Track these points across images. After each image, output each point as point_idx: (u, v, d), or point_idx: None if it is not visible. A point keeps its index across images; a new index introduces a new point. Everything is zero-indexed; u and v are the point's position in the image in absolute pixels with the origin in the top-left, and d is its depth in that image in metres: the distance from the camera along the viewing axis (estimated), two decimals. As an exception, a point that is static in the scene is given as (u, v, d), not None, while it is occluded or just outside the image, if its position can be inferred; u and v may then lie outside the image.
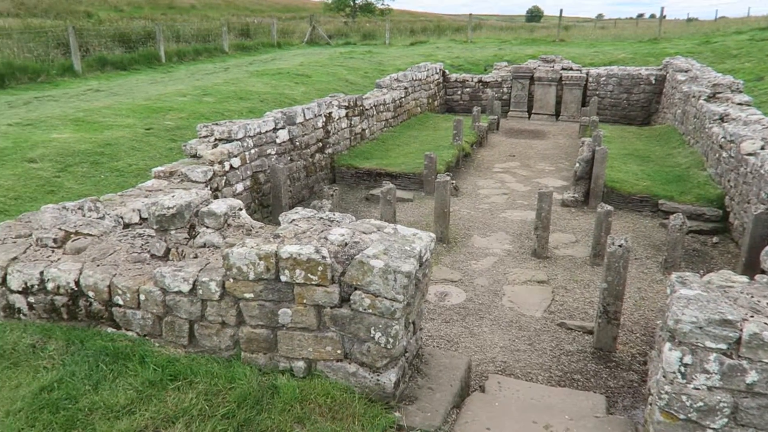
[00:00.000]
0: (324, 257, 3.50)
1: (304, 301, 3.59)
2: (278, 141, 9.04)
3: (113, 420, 3.35)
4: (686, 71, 14.29)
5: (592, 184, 9.33)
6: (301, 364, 3.73)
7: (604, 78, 17.02)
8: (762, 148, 7.57)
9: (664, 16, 27.11)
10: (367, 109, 12.48)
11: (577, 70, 17.34)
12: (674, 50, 20.10)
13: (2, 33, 18.44)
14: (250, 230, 4.27)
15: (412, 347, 3.92)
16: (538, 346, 5.47)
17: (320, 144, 10.45)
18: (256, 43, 27.42)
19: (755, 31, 22.31)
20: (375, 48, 26.44)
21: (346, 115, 11.48)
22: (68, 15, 28.96)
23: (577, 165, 9.56)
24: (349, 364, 3.66)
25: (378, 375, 3.59)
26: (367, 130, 12.56)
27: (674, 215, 7.04)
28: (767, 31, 21.72)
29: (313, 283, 3.53)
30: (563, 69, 17.34)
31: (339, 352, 3.65)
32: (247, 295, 3.68)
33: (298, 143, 9.63)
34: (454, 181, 10.15)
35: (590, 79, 17.13)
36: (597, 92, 17.09)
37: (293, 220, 4.08)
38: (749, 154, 7.64)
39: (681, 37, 24.74)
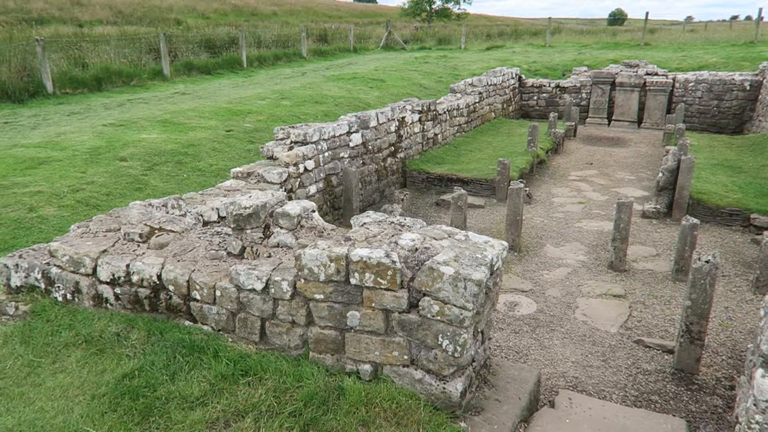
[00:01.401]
0: (394, 262, 3.50)
1: (373, 304, 3.60)
2: (351, 144, 9.16)
3: (187, 410, 3.50)
4: (786, 76, 13.30)
5: (676, 195, 8.84)
6: (367, 367, 3.74)
7: (692, 84, 16.14)
8: None
9: (762, 18, 25.25)
10: (440, 114, 12.42)
11: (662, 75, 16.53)
12: (773, 54, 18.75)
13: (102, 40, 19.79)
14: (322, 232, 4.34)
15: (479, 357, 3.85)
16: (612, 363, 5.23)
17: (392, 148, 10.51)
18: (333, 48, 28.00)
19: None
20: (450, 52, 26.32)
21: (419, 120, 11.48)
22: (160, 22, 30.70)
23: (661, 175, 9.09)
24: (416, 370, 3.63)
25: (444, 383, 3.55)
26: (439, 135, 12.51)
27: (769, 231, 6.55)
28: None
29: (382, 287, 3.54)
30: (647, 74, 16.58)
31: (406, 357, 3.64)
32: (317, 296, 3.74)
33: (370, 147, 9.72)
34: (527, 189, 9.91)
35: (677, 85, 16.29)
36: (684, 98, 16.22)
37: (364, 223, 4.11)
38: None
39: (781, 40, 23.07)
